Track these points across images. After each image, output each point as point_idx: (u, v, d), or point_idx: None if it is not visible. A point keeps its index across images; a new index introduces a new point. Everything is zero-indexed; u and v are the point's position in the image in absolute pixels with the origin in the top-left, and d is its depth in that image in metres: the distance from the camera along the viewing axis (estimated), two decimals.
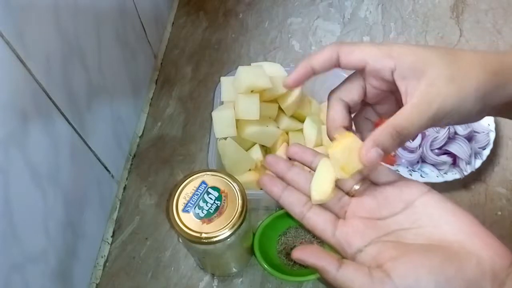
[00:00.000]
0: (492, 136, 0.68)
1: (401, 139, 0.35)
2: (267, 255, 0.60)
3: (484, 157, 0.66)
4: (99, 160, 0.62)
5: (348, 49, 0.38)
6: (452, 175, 0.65)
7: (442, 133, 0.66)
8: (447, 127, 0.66)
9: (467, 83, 0.35)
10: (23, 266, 0.46)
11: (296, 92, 0.62)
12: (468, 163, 0.66)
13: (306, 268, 0.61)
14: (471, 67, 0.35)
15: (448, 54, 0.36)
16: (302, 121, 0.66)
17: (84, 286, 0.60)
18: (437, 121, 0.35)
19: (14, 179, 0.43)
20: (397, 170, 0.67)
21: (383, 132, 0.35)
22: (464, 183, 0.67)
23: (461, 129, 0.67)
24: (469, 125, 0.68)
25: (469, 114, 0.36)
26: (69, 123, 0.53)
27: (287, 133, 0.65)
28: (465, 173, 0.65)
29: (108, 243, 0.66)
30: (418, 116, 0.35)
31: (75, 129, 0.54)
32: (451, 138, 0.66)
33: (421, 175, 0.66)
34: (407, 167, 0.68)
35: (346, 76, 0.48)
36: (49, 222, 0.50)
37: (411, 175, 0.66)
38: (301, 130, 0.65)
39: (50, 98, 0.48)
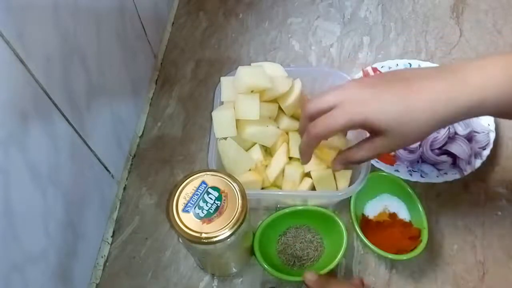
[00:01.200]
0: (492, 136, 0.68)
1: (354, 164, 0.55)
2: (267, 255, 0.60)
3: (484, 157, 0.66)
4: (99, 160, 0.62)
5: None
6: (452, 175, 0.65)
7: (442, 133, 0.66)
8: (447, 127, 0.66)
9: (413, 135, 0.47)
10: (23, 266, 0.46)
11: (296, 92, 0.62)
12: (468, 163, 0.66)
13: (306, 268, 0.61)
14: (419, 125, 0.46)
15: (401, 115, 0.46)
16: None
17: (84, 286, 0.60)
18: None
19: (14, 179, 0.43)
20: (397, 170, 0.67)
21: (344, 160, 0.54)
22: (464, 183, 0.67)
23: (461, 129, 0.67)
24: (469, 125, 0.68)
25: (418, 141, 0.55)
26: (69, 123, 0.53)
27: (287, 133, 0.65)
28: (465, 173, 0.65)
29: (108, 243, 0.66)
30: (371, 155, 0.51)
31: (75, 129, 0.54)
32: (451, 138, 0.66)
33: (421, 175, 0.66)
34: (407, 167, 0.68)
35: (347, 76, 0.61)
36: (49, 222, 0.50)
37: (411, 175, 0.66)
38: None
39: (50, 98, 0.48)
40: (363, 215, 0.64)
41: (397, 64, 0.77)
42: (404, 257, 0.58)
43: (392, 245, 0.60)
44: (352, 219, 0.61)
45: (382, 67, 0.77)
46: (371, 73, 0.77)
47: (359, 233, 0.60)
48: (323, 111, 0.49)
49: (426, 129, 0.47)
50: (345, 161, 0.54)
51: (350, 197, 0.62)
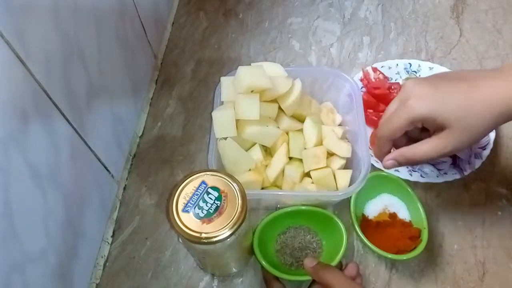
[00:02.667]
0: (492, 136, 0.68)
1: (410, 164, 0.54)
2: (266, 254, 0.60)
3: (484, 157, 0.66)
4: (99, 160, 0.62)
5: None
6: (452, 175, 0.65)
7: None
8: None
9: (477, 130, 0.48)
10: (23, 266, 0.46)
11: (296, 92, 0.62)
12: (468, 163, 0.66)
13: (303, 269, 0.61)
14: (479, 118, 0.47)
15: (462, 109, 0.48)
16: (302, 121, 0.66)
17: (84, 286, 0.60)
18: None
19: (14, 179, 0.43)
20: (397, 170, 0.67)
21: (404, 154, 0.52)
22: (464, 183, 0.67)
23: None
24: None
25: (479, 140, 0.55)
26: (69, 123, 0.53)
27: (287, 133, 0.65)
28: (465, 173, 0.65)
29: (108, 243, 0.66)
30: (434, 153, 0.50)
31: (75, 129, 0.54)
32: None
33: (421, 175, 0.66)
34: (407, 167, 0.68)
35: (346, 76, 0.62)
36: (49, 222, 0.50)
37: (411, 175, 0.66)
38: (301, 130, 0.65)
39: (50, 98, 0.48)
40: (363, 215, 0.64)
41: (397, 64, 0.78)
42: (404, 257, 0.58)
43: (392, 245, 0.60)
44: (352, 219, 0.61)
45: (382, 67, 0.77)
46: (371, 73, 0.77)
47: (359, 233, 0.60)
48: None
49: (486, 124, 0.48)
50: (403, 159, 0.52)
51: (350, 197, 0.62)
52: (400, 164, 0.53)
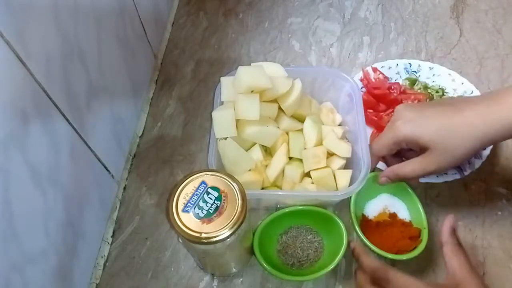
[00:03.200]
0: None
1: (400, 180, 0.60)
2: (267, 254, 0.60)
3: (484, 157, 0.66)
4: (99, 160, 0.62)
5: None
6: (452, 175, 0.65)
7: None
8: None
9: (457, 152, 0.52)
10: (23, 266, 0.46)
11: (296, 92, 0.62)
12: (468, 163, 0.66)
13: (305, 268, 0.61)
14: (460, 140, 0.51)
15: (443, 131, 0.52)
16: (302, 121, 0.66)
17: (84, 286, 0.60)
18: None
19: (14, 179, 0.43)
20: None
21: (393, 171, 0.59)
22: (464, 183, 0.67)
23: None
24: None
25: (462, 162, 0.60)
26: (69, 123, 0.53)
27: (287, 133, 0.65)
28: (465, 173, 0.65)
29: (108, 243, 0.66)
30: (420, 171, 0.56)
31: (75, 129, 0.54)
32: None
33: None
34: None
35: (346, 76, 0.65)
36: (49, 222, 0.50)
37: None
38: (301, 130, 0.65)
39: (50, 98, 0.48)
40: (363, 215, 0.64)
41: (397, 64, 0.78)
42: (404, 257, 0.58)
43: (392, 245, 0.59)
44: (352, 219, 0.61)
45: (382, 67, 0.77)
46: (371, 73, 0.77)
47: (359, 233, 0.59)
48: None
49: (467, 146, 0.51)
50: (392, 174, 0.58)
51: (350, 197, 0.62)
52: (392, 180, 0.59)
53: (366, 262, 0.53)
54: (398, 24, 0.87)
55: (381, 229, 0.62)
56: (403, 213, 0.63)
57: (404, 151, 0.60)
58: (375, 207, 0.65)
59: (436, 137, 0.52)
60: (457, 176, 0.65)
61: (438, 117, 0.53)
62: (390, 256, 0.58)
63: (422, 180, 0.65)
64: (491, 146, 0.67)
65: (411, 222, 0.62)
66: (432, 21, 0.87)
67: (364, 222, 0.63)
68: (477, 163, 0.66)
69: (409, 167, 0.56)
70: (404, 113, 0.55)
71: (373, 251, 0.59)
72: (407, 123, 0.54)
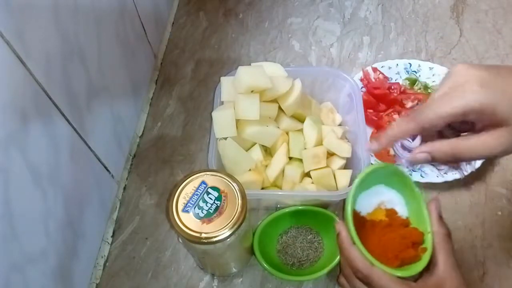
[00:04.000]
0: None
1: (448, 161, 0.43)
2: (267, 255, 0.60)
3: None
4: (99, 160, 0.62)
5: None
6: (452, 175, 0.65)
7: None
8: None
9: None
10: (23, 266, 0.46)
11: (296, 92, 0.62)
12: (468, 163, 0.66)
13: (305, 268, 0.61)
14: None
15: None
16: (302, 121, 0.66)
17: (84, 286, 0.60)
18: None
19: (14, 179, 0.43)
20: None
21: (442, 148, 0.43)
22: (464, 183, 0.67)
23: None
24: None
25: None
26: (69, 123, 0.53)
27: (287, 133, 0.65)
28: (465, 173, 0.65)
29: (108, 243, 0.66)
30: (485, 152, 0.41)
31: (75, 129, 0.54)
32: None
33: (421, 175, 0.66)
34: (407, 167, 0.68)
35: (346, 76, 0.59)
36: (49, 222, 0.50)
37: (411, 174, 0.66)
38: (301, 130, 0.65)
39: (50, 98, 0.48)
40: (354, 211, 0.51)
41: (397, 64, 0.78)
42: (408, 273, 0.47)
43: (395, 257, 0.49)
44: (348, 218, 0.49)
45: (382, 67, 0.77)
46: (371, 73, 0.77)
47: (358, 243, 0.47)
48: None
49: None
50: (441, 153, 0.43)
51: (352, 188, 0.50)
52: (434, 159, 0.44)
53: (351, 259, 0.47)
54: (398, 24, 0.87)
55: (377, 232, 0.51)
56: (400, 209, 0.52)
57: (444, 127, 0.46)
58: (369, 202, 0.52)
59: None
60: (457, 176, 0.65)
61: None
62: (399, 274, 0.46)
63: (422, 181, 0.65)
64: None
65: (408, 219, 0.52)
66: (432, 21, 0.87)
67: (356, 220, 0.50)
68: (477, 163, 0.66)
69: (467, 144, 0.42)
70: (474, 72, 0.40)
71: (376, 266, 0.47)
72: (481, 87, 0.39)
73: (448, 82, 0.42)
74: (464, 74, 0.41)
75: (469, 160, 0.45)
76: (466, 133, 0.44)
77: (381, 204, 0.53)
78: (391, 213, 0.52)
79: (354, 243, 0.48)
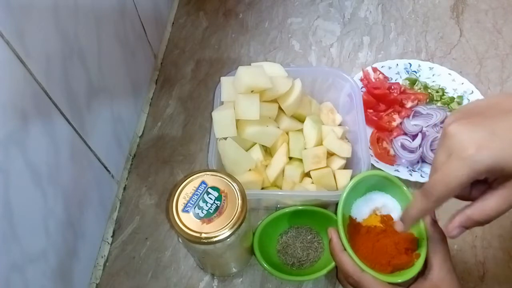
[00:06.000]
0: None
1: (479, 225, 0.44)
2: (267, 255, 0.60)
3: None
4: (99, 160, 0.62)
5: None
6: None
7: None
8: None
9: None
10: (23, 266, 0.46)
11: (296, 92, 0.62)
12: None
13: (305, 268, 0.61)
14: None
15: None
16: (302, 121, 0.66)
17: (84, 286, 0.60)
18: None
19: (14, 179, 0.43)
20: (397, 170, 0.67)
21: (467, 219, 0.44)
22: None
23: None
24: None
25: None
26: (69, 123, 0.53)
27: (287, 133, 0.65)
28: None
29: (108, 243, 0.66)
30: (506, 206, 0.41)
31: (75, 129, 0.54)
32: None
33: (421, 175, 0.66)
34: (407, 167, 0.68)
35: (346, 76, 0.59)
36: (49, 222, 0.50)
37: (411, 175, 0.66)
38: (301, 130, 0.65)
39: (50, 98, 0.48)
40: (350, 217, 0.53)
41: (397, 64, 0.78)
42: (399, 279, 0.48)
43: (387, 263, 0.49)
44: (338, 224, 0.50)
45: (382, 67, 0.77)
46: (371, 73, 0.77)
47: (348, 248, 0.48)
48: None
49: None
50: (472, 222, 0.44)
51: (342, 194, 0.51)
52: (468, 228, 0.45)
53: (342, 263, 0.48)
54: (398, 24, 0.87)
55: (372, 238, 0.51)
56: (396, 215, 0.53)
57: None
58: (363, 208, 0.54)
59: None
60: None
61: None
62: (389, 279, 0.47)
63: (422, 181, 0.65)
64: None
65: None
66: (432, 21, 0.87)
67: (352, 227, 0.52)
68: None
69: (490, 205, 0.42)
70: (468, 135, 0.39)
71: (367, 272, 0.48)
72: (482, 150, 0.38)
73: (445, 147, 0.41)
74: (461, 138, 0.40)
75: (496, 218, 0.43)
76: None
77: (376, 210, 0.54)
78: (387, 219, 0.53)
79: (344, 249, 0.49)
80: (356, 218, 0.53)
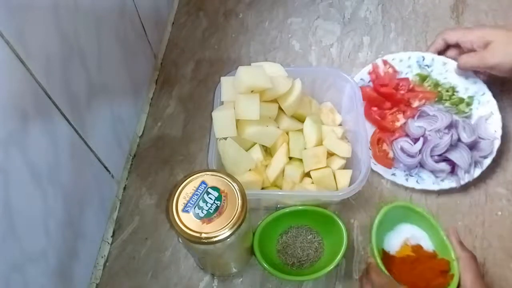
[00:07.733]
0: (497, 144, 0.66)
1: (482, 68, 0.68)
2: (267, 255, 0.60)
3: (484, 166, 0.66)
4: (99, 160, 0.62)
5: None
6: (449, 183, 0.65)
7: (445, 140, 0.65)
8: (451, 133, 0.65)
9: None
10: (23, 266, 0.46)
11: (296, 92, 0.62)
12: (467, 172, 0.65)
13: (305, 268, 0.61)
14: None
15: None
16: (302, 121, 0.66)
17: (84, 286, 0.60)
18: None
19: (14, 179, 0.43)
20: (394, 174, 0.66)
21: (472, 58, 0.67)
22: (464, 184, 0.67)
23: (465, 136, 0.66)
24: (475, 132, 0.67)
25: None
26: (69, 123, 0.53)
27: (287, 133, 0.65)
28: (462, 182, 0.65)
29: (108, 243, 0.66)
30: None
31: (75, 129, 0.54)
32: (453, 145, 0.65)
33: (417, 181, 0.66)
34: (404, 171, 0.67)
35: (346, 76, 0.62)
36: (49, 222, 0.50)
37: (407, 180, 0.66)
38: (301, 130, 0.65)
39: (50, 98, 0.48)
40: (383, 250, 0.59)
41: (410, 57, 0.75)
42: None
43: (427, 285, 0.55)
44: (374, 254, 0.56)
45: (393, 59, 0.75)
46: (381, 66, 0.75)
47: (385, 272, 0.55)
48: (466, 43, 0.67)
49: None
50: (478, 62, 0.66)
51: (371, 229, 0.58)
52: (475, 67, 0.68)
53: (376, 279, 0.53)
54: (398, 24, 0.87)
55: (407, 266, 0.57)
56: (426, 243, 0.60)
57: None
58: (395, 241, 0.60)
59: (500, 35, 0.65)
60: (453, 185, 0.65)
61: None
62: None
63: (417, 187, 0.65)
64: (493, 155, 0.66)
65: (435, 252, 0.59)
66: (432, 21, 0.87)
67: (387, 259, 0.58)
68: (476, 172, 0.65)
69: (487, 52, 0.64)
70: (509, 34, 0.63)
71: None
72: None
73: (487, 33, 0.65)
74: (500, 33, 0.64)
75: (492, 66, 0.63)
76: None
77: (406, 241, 0.60)
78: (417, 248, 0.59)
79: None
80: (389, 251, 0.59)
